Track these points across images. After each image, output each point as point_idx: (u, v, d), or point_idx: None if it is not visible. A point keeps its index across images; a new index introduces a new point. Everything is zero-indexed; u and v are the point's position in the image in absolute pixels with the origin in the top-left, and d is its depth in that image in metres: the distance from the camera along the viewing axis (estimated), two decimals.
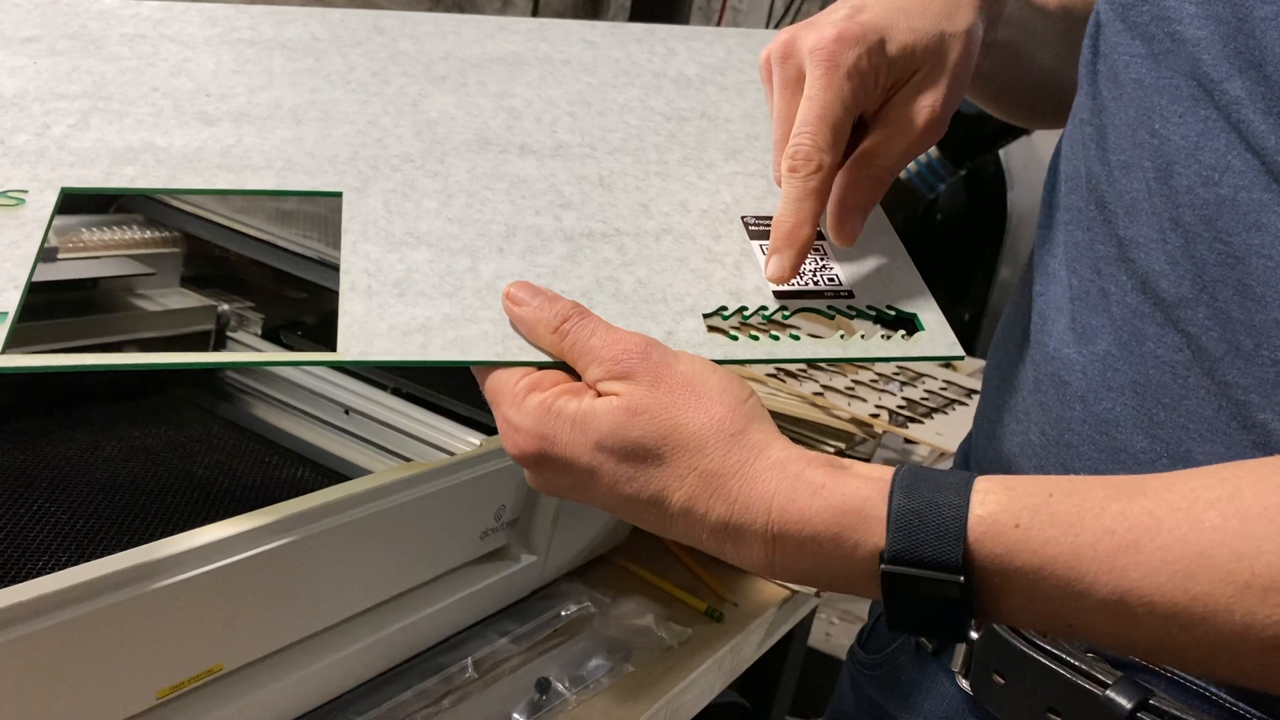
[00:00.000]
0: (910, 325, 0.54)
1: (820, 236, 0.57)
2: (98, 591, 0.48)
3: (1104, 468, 0.48)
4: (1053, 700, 0.49)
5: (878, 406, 1.17)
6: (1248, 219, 0.43)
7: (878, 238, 0.58)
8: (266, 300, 0.96)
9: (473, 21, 0.70)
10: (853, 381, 1.24)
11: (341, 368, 0.88)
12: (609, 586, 0.87)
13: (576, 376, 0.48)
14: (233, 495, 0.74)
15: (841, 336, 0.53)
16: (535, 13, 1.94)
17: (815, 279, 0.55)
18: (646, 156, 0.61)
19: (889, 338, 0.54)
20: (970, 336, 2.54)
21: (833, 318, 0.54)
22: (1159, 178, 0.46)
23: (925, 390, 1.28)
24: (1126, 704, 0.47)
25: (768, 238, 0.57)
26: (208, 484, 0.75)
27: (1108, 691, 0.47)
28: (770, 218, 0.57)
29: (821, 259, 0.56)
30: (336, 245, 0.54)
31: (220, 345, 0.91)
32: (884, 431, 1.12)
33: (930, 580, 0.40)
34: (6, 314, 0.47)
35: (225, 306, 0.93)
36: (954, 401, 1.26)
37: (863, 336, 0.53)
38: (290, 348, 0.93)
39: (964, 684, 0.55)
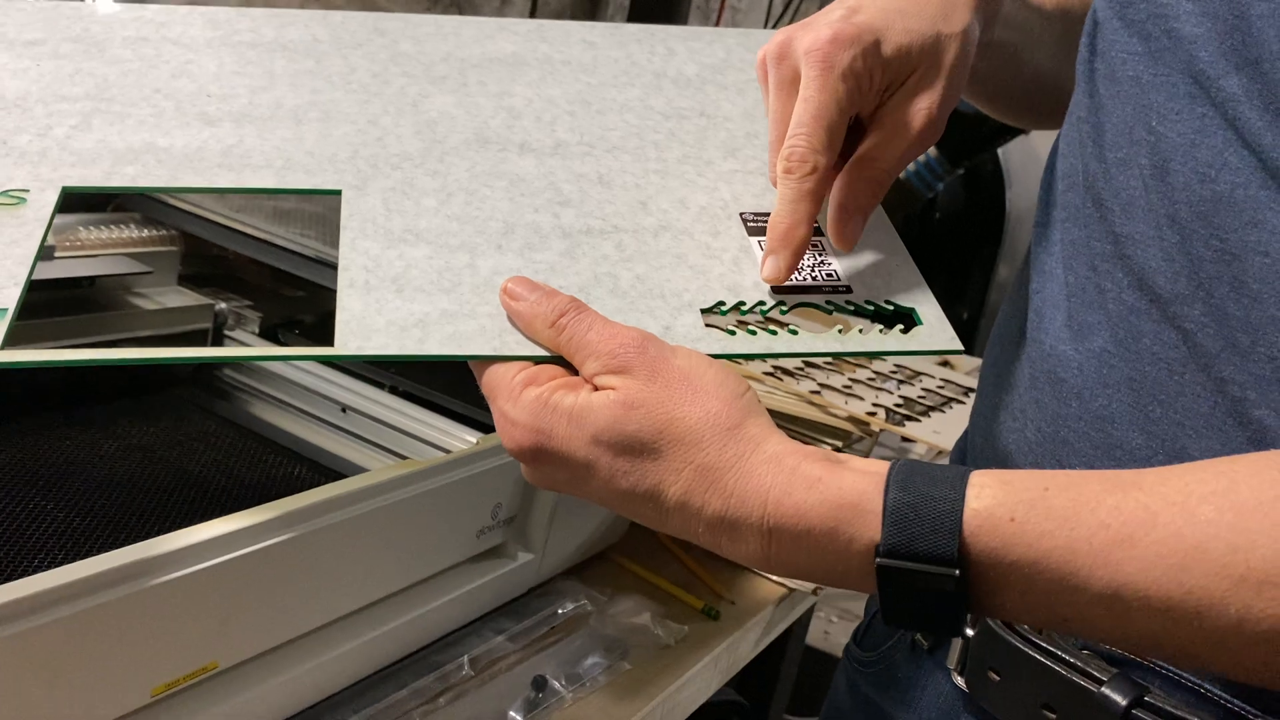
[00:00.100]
0: (909, 320, 0.54)
1: (819, 232, 0.57)
2: (93, 589, 0.48)
3: (1100, 464, 0.48)
4: (1048, 697, 0.49)
5: (875, 405, 1.17)
6: (1244, 216, 0.43)
7: (876, 234, 0.58)
8: (264, 299, 0.96)
9: (473, 23, 0.71)
10: (850, 380, 1.24)
11: (339, 366, 0.88)
12: (606, 584, 0.87)
13: (574, 371, 0.48)
14: (230, 493, 0.75)
15: (839, 332, 0.53)
16: (533, 13, 1.94)
17: (813, 274, 0.55)
18: (646, 154, 0.62)
19: (887, 332, 0.54)
20: (969, 335, 2.54)
21: (831, 313, 0.55)
22: (1155, 175, 0.46)
23: (922, 388, 1.28)
24: (1121, 701, 0.47)
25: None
26: (205, 482, 0.75)
27: (1103, 688, 0.47)
28: (769, 214, 0.57)
29: (820, 255, 0.57)
30: (334, 244, 0.54)
31: (218, 344, 0.92)
32: (881, 430, 1.12)
33: (926, 574, 0.40)
34: (6, 310, 0.48)
35: (223, 305, 0.93)
36: (951, 400, 1.26)
37: (861, 331, 0.53)
38: (288, 346, 0.93)
39: (959, 681, 0.55)
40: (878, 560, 0.41)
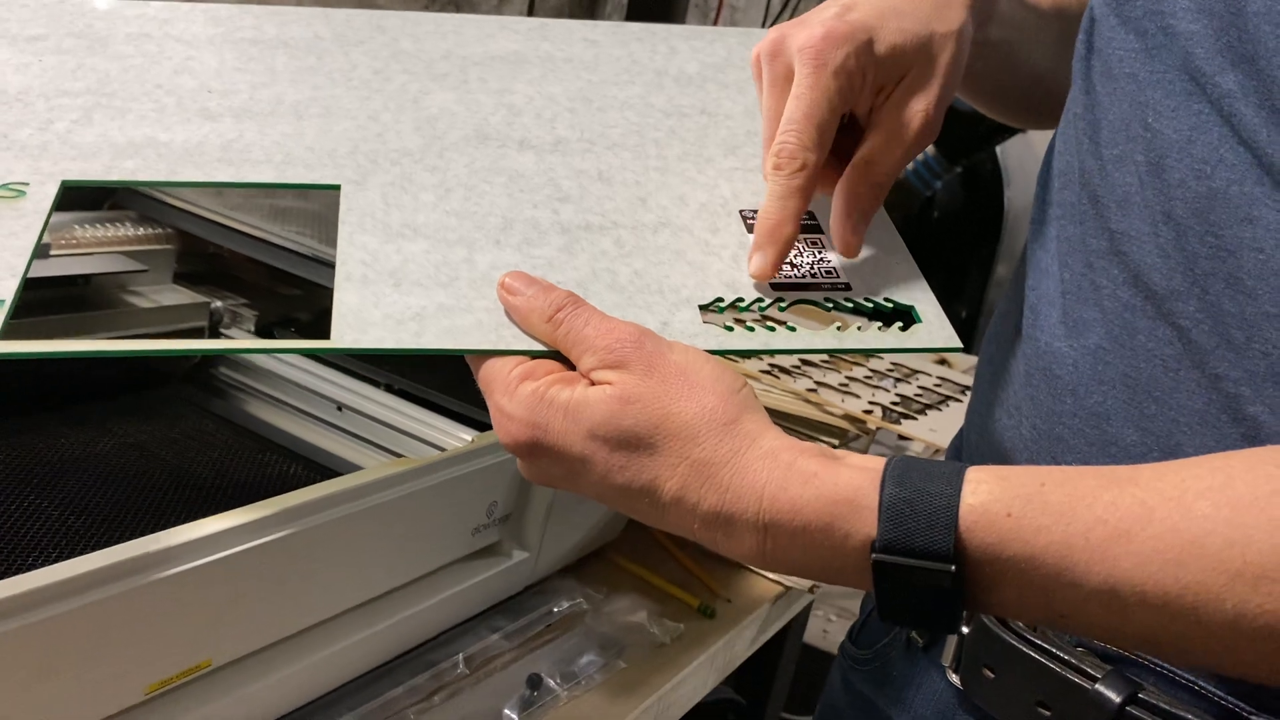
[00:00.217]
0: (907, 317, 0.54)
1: (818, 229, 0.58)
2: (86, 586, 0.48)
3: (1095, 461, 0.48)
4: (1042, 694, 0.49)
5: (871, 403, 1.17)
6: (1239, 212, 0.43)
7: (875, 231, 0.58)
8: (260, 297, 0.96)
9: (474, 21, 0.71)
10: (846, 378, 1.24)
11: (335, 364, 0.88)
12: (602, 583, 0.87)
13: (570, 366, 0.48)
14: (225, 491, 0.74)
15: (838, 329, 0.53)
16: (531, 11, 1.94)
17: (812, 271, 0.55)
18: (646, 152, 0.62)
19: (886, 330, 0.54)
20: (967, 334, 2.54)
21: (829, 310, 0.54)
22: (1151, 171, 0.46)
23: (919, 387, 1.28)
24: (1115, 698, 0.47)
25: None
26: (200, 480, 0.75)
27: (1097, 685, 0.47)
28: None
29: (819, 251, 0.57)
30: (330, 242, 0.55)
31: None
32: (878, 428, 1.12)
33: (922, 569, 0.40)
34: (4, 301, 0.48)
35: (218, 303, 0.93)
36: (948, 398, 1.26)
37: (859, 329, 0.53)
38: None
39: (954, 678, 0.55)
40: (874, 556, 0.41)
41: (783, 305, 0.54)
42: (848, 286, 0.55)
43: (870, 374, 1.28)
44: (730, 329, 0.52)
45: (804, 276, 0.55)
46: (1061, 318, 0.51)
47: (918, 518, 0.40)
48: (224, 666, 0.58)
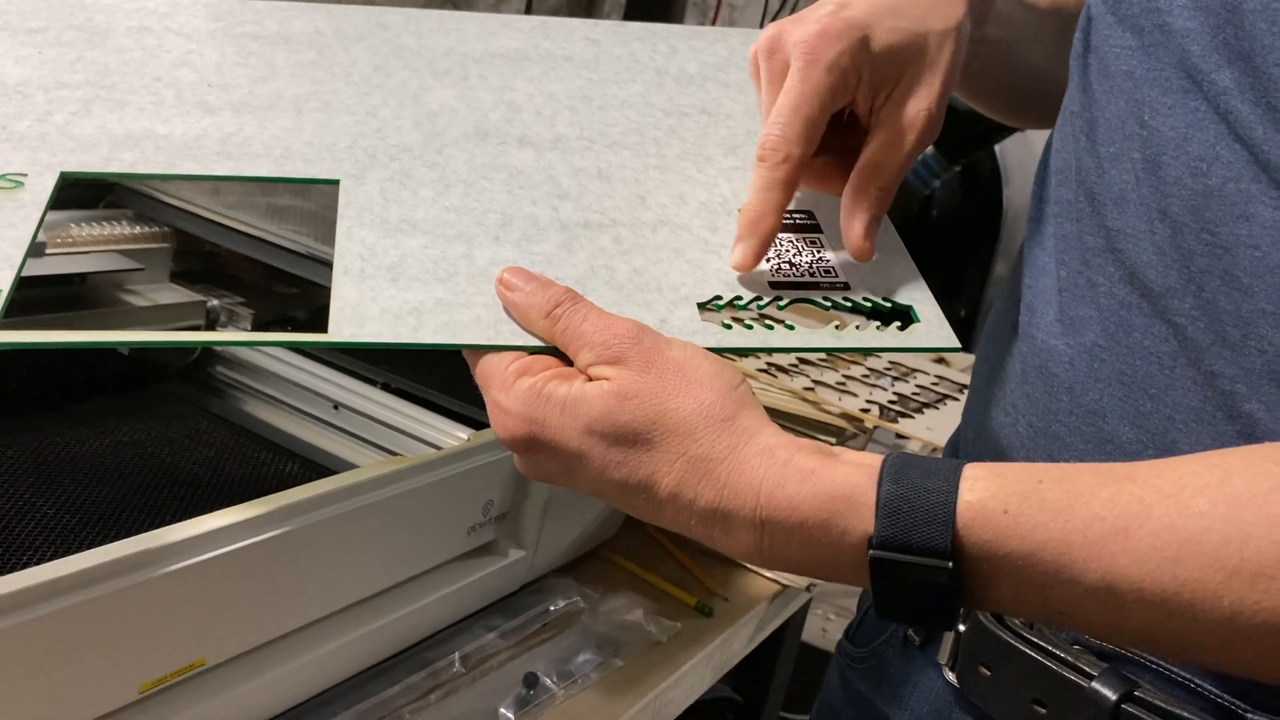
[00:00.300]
0: (906, 317, 0.54)
1: (817, 229, 0.58)
2: (80, 585, 0.48)
3: (1091, 458, 0.48)
4: (1038, 692, 0.49)
5: (869, 401, 1.17)
6: (1235, 209, 0.43)
7: None
8: (256, 296, 0.96)
9: (475, 18, 0.71)
10: (844, 377, 1.24)
11: (331, 362, 0.88)
12: (598, 581, 0.87)
13: (568, 362, 0.48)
14: (220, 490, 0.74)
15: (836, 328, 0.53)
16: (529, 10, 1.94)
17: (811, 270, 0.55)
18: (645, 150, 0.62)
19: (884, 329, 0.54)
20: (966, 332, 2.54)
21: (828, 309, 0.55)
22: (1148, 169, 0.46)
23: (917, 385, 1.28)
24: (1111, 695, 0.47)
25: None
26: (195, 479, 0.75)
27: (1093, 683, 0.47)
28: None
29: (818, 250, 0.57)
30: (327, 241, 0.55)
31: None
32: (875, 426, 1.12)
33: (919, 566, 0.40)
34: (2, 290, 0.48)
35: (215, 302, 0.92)
36: (945, 397, 1.26)
37: (857, 328, 0.53)
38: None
39: (950, 676, 0.55)
40: (871, 552, 0.41)
41: (781, 304, 0.54)
42: (846, 286, 0.55)
43: (868, 372, 1.28)
44: (729, 327, 0.52)
45: (803, 275, 0.55)
46: (1058, 315, 0.51)
47: (915, 514, 0.40)
48: (219, 665, 0.58)
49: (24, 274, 0.49)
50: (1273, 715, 0.45)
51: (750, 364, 1.23)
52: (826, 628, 1.89)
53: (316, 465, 0.80)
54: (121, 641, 0.51)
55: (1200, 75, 0.44)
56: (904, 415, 1.16)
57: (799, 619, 1.16)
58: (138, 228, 0.90)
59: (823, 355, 1.31)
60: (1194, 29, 0.44)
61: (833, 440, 1.07)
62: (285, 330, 0.95)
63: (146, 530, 0.52)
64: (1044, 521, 0.39)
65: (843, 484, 0.42)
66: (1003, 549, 0.39)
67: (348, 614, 0.66)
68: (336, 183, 0.57)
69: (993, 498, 0.40)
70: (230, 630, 0.57)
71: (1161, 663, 0.47)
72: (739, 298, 0.54)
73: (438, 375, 0.86)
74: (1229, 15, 0.43)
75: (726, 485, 0.43)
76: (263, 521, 0.56)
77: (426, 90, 0.64)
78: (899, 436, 1.16)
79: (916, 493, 0.40)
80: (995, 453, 0.55)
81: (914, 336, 0.53)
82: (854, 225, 0.53)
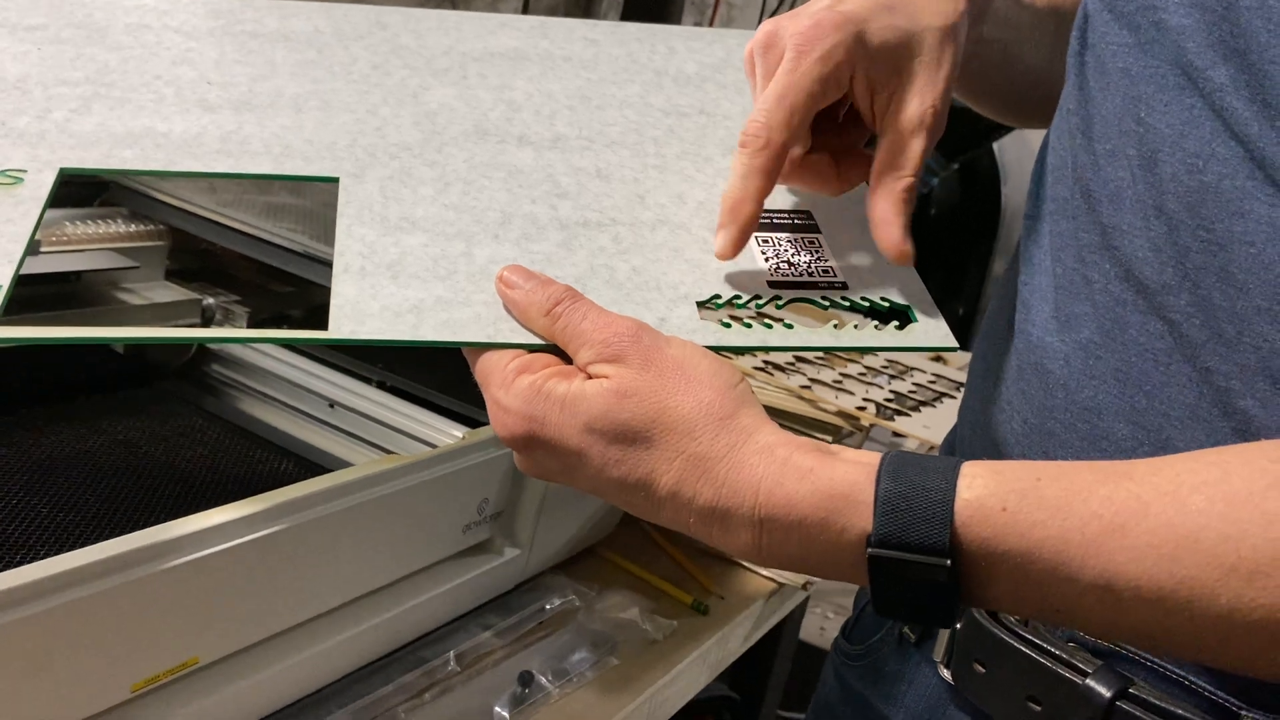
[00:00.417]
0: (904, 317, 0.54)
1: (815, 229, 0.58)
2: (73, 582, 0.48)
3: (1086, 455, 0.48)
4: (1033, 689, 0.49)
5: (865, 399, 1.17)
6: (1230, 206, 0.43)
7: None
8: (252, 294, 0.96)
9: (475, 18, 0.71)
10: (840, 375, 1.24)
11: (327, 361, 0.88)
12: (594, 580, 0.87)
13: (568, 360, 0.48)
14: (216, 489, 0.74)
15: (835, 327, 0.53)
16: (525, 10, 1.94)
17: (810, 270, 0.56)
18: (644, 150, 0.62)
19: (882, 328, 0.54)
20: (964, 331, 2.54)
21: (827, 308, 0.55)
22: (1144, 166, 0.46)
23: (913, 383, 1.28)
24: (1106, 692, 0.47)
25: (764, 229, 0.57)
26: (191, 478, 0.75)
27: (1088, 680, 0.47)
28: (767, 210, 0.58)
29: (816, 250, 0.57)
30: (324, 239, 0.54)
31: None
32: (871, 425, 1.12)
33: (917, 564, 0.40)
34: (1, 286, 0.48)
35: (210, 300, 0.92)
36: (942, 395, 1.26)
37: (856, 327, 0.53)
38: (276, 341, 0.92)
39: (945, 674, 0.55)
40: (869, 550, 0.41)
41: (780, 303, 0.54)
42: (845, 285, 0.55)
43: (864, 371, 1.28)
44: (728, 325, 0.52)
45: (801, 275, 0.55)
46: (1053, 312, 0.51)
47: (913, 512, 0.40)
48: (212, 664, 0.58)
49: (19, 273, 0.49)
50: (1268, 712, 0.45)
51: (747, 362, 1.23)
52: (825, 626, 1.89)
53: (312, 464, 0.80)
54: (113, 640, 0.51)
55: (1196, 72, 0.44)
56: (900, 413, 1.16)
57: (796, 617, 1.16)
58: (133, 226, 0.90)
59: (820, 354, 1.31)
60: (1189, 26, 0.44)
61: (829, 438, 1.07)
62: (280, 327, 0.95)
63: (141, 529, 0.52)
64: (1042, 519, 0.39)
65: (841, 482, 0.42)
66: (1001, 546, 0.39)
67: (342, 612, 0.66)
68: (336, 181, 0.57)
69: (991, 495, 0.40)
70: (224, 628, 0.57)
71: (1156, 660, 0.47)
72: (738, 297, 0.54)
73: (434, 374, 0.86)
74: (1224, 12, 0.43)
75: (725, 483, 0.43)
76: (256, 519, 0.56)
77: (426, 89, 0.64)
78: (895, 434, 1.16)
79: (915, 490, 0.40)
80: (991, 450, 0.55)
81: (912, 336, 0.54)
82: (891, 231, 0.53)
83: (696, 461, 0.43)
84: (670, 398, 0.44)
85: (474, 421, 0.80)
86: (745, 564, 0.95)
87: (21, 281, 0.49)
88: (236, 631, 0.58)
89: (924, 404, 1.21)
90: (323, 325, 0.49)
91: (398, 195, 0.56)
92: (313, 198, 0.90)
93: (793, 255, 0.56)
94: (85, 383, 0.85)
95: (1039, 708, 0.49)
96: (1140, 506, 0.38)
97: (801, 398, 1.14)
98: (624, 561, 0.90)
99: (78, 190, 0.90)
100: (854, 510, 0.41)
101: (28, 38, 0.63)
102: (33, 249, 0.51)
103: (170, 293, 0.91)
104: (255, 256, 0.88)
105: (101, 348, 0.89)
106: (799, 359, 1.28)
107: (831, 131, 0.56)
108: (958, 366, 1.40)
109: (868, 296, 0.55)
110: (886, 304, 0.55)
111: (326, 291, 0.51)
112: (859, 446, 1.11)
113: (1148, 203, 0.46)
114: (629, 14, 2.00)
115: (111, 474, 0.73)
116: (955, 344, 0.54)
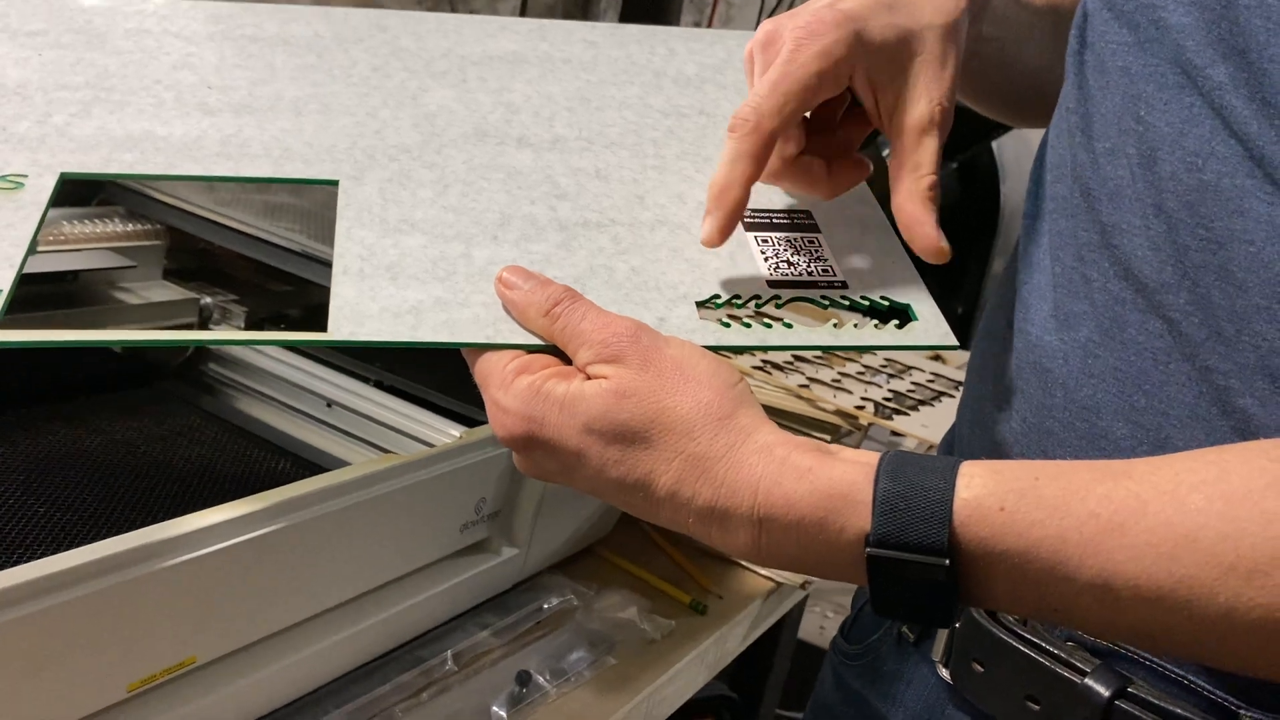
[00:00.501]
0: (904, 316, 0.55)
1: (815, 228, 0.58)
2: (69, 582, 0.48)
3: (1085, 455, 0.48)
4: (1032, 688, 0.49)
5: (863, 399, 1.17)
6: (1230, 205, 0.43)
7: (871, 229, 0.59)
8: (250, 293, 0.96)
9: (474, 21, 0.72)
10: (839, 374, 1.24)
11: (325, 361, 0.88)
12: (592, 579, 0.87)
13: (567, 361, 0.48)
14: (212, 488, 0.74)
15: (834, 326, 0.53)
16: (523, 11, 1.93)
17: (809, 269, 0.56)
18: (644, 151, 0.62)
19: (882, 328, 0.54)
20: (964, 329, 2.54)
21: (826, 308, 0.55)
22: (1143, 164, 0.46)
23: (912, 383, 1.28)
24: (1105, 692, 0.47)
25: (763, 229, 0.57)
26: (188, 477, 0.75)
27: (1086, 679, 0.47)
28: (766, 210, 0.58)
29: (816, 249, 0.57)
30: (322, 239, 0.54)
31: None
32: (870, 424, 1.12)
33: (916, 563, 0.40)
34: (2, 290, 0.48)
35: (208, 299, 0.92)
36: (941, 394, 1.26)
37: (855, 326, 0.53)
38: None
39: (944, 673, 0.55)
40: (868, 550, 0.41)
41: (779, 302, 0.54)
42: (844, 284, 0.55)
43: (863, 370, 1.28)
44: (727, 325, 0.52)
45: (801, 274, 0.55)
46: (1052, 311, 0.51)
47: (912, 512, 0.40)
48: (209, 664, 0.58)
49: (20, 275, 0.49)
50: (1267, 711, 0.45)
51: (745, 361, 1.23)
52: (824, 626, 1.89)
53: (309, 463, 0.80)
54: (110, 639, 0.51)
55: (1195, 70, 0.44)
56: (899, 412, 1.16)
57: (795, 616, 1.16)
58: (130, 225, 0.90)
59: (818, 353, 1.31)
60: (1189, 24, 0.44)
61: (828, 437, 1.07)
62: (279, 327, 0.95)
63: (138, 528, 0.52)
64: (1040, 518, 0.39)
65: (840, 482, 0.42)
66: (999, 546, 0.39)
67: (339, 611, 0.66)
68: (336, 183, 0.57)
69: (989, 495, 0.40)
70: (221, 628, 0.57)
71: (1155, 659, 0.47)
72: (737, 296, 0.54)
73: (432, 374, 0.85)
74: (1224, 10, 0.43)
75: (724, 483, 0.43)
76: (254, 519, 0.56)
77: (425, 91, 0.64)
78: (894, 434, 1.16)
79: (913, 490, 0.40)
80: (990, 449, 0.55)
81: (912, 334, 0.54)
82: (926, 230, 0.52)
83: (695, 461, 0.43)
84: (669, 398, 0.44)
85: (472, 421, 0.79)
86: (744, 563, 0.95)
87: (19, 281, 0.49)
88: (234, 631, 0.58)
89: (922, 403, 1.21)
90: (321, 325, 0.49)
91: (397, 197, 0.56)
92: (310, 197, 0.90)
93: (792, 255, 0.56)
94: (83, 382, 0.85)
95: (1038, 707, 0.49)
96: (1139, 505, 0.38)
97: (800, 397, 1.14)
98: (622, 561, 0.90)
99: (75, 189, 0.90)
100: (853, 510, 0.41)
101: (28, 43, 0.63)
102: (31, 250, 0.51)
103: (168, 292, 0.91)
104: (253, 256, 0.88)
105: (99, 348, 0.89)
106: (797, 358, 1.28)
107: (826, 134, 0.56)
108: (956, 365, 1.40)
109: (867, 295, 0.55)
110: (886, 303, 0.55)
111: (324, 291, 0.51)
112: (857, 445, 1.10)
113: (1147, 201, 0.46)
114: (627, 13, 2.00)
115: (109, 473, 0.73)
116: (955, 342, 0.54)
